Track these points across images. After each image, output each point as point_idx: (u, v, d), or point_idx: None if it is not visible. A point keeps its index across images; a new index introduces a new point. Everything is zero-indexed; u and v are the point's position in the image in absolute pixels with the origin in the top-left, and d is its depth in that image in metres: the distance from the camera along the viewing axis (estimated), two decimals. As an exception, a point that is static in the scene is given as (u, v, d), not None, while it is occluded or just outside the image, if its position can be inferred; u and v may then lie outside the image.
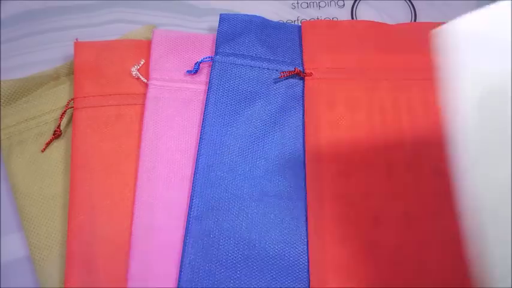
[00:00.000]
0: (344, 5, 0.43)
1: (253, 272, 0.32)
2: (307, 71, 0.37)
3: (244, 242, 0.32)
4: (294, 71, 0.36)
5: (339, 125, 0.35)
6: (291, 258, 0.32)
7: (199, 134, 0.35)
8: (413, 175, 0.34)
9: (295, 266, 0.32)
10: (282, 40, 0.39)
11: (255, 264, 0.32)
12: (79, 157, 0.35)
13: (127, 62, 0.38)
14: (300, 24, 0.40)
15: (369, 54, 0.38)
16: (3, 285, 0.34)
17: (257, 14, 0.39)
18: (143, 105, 0.36)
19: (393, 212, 0.33)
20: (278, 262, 0.32)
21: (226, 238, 0.32)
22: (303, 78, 0.37)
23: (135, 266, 0.32)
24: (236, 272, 0.32)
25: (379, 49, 0.38)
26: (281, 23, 0.40)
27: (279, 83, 0.37)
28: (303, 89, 0.37)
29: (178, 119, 0.36)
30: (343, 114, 0.36)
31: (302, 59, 0.38)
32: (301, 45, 0.38)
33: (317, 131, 0.35)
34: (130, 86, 0.37)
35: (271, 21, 0.39)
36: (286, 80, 0.37)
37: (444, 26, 0.24)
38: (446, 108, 0.24)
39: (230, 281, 0.32)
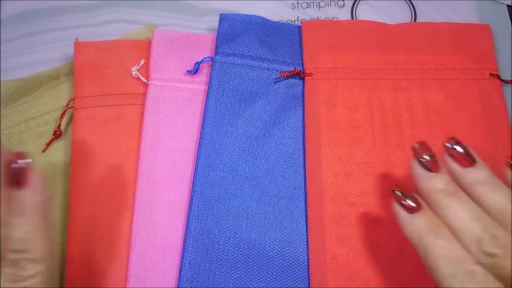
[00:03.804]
0: (344, 5, 0.43)
1: (253, 272, 0.32)
2: (307, 71, 0.37)
3: (244, 242, 0.32)
4: (294, 71, 0.36)
5: (338, 125, 0.35)
6: (291, 258, 0.32)
7: (199, 134, 0.35)
8: (413, 175, 0.34)
9: (295, 265, 0.32)
10: (282, 40, 0.39)
11: (255, 264, 0.32)
12: (79, 157, 0.35)
13: (127, 62, 0.38)
14: (299, 24, 0.40)
15: (369, 54, 0.38)
16: (3, 285, 0.34)
17: (257, 14, 0.39)
18: (143, 105, 0.36)
19: (393, 212, 0.33)
20: (278, 262, 0.32)
21: (226, 238, 0.32)
22: (303, 78, 0.37)
23: (135, 266, 0.32)
24: (236, 272, 0.32)
25: (379, 49, 0.38)
26: (281, 23, 0.40)
27: (279, 83, 0.37)
28: (303, 89, 0.37)
29: (178, 119, 0.36)
30: (343, 114, 0.36)
31: (302, 58, 0.38)
32: (301, 45, 0.38)
33: (317, 131, 0.35)
34: (130, 86, 0.37)
35: (271, 21, 0.39)
36: (286, 80, 0.37)
37: None
38: None
39: (230, 281, 0.32)
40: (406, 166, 0.34)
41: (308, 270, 0.32)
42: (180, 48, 0.38)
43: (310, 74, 0.37)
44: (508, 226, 0.26)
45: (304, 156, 0.35)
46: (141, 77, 0.37)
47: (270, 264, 0.32)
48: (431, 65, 0.38)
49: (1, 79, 0.38)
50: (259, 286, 0.32)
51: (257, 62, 0.37)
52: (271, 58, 0.38)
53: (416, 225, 0.27)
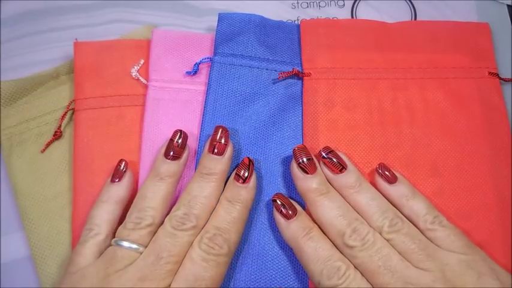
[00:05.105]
0: (344, 5, 0.43)
1: (253, 272, 0.32)
2: (305, 71, 0.37)
3: (244, 241, 0.33)
4: (292, 71, 0.36)
5: (337, 125, 0.35)
6: (291, 258, 0.32)
7: (199, 135, 0.35)
8: (412, 174, 0.34)
9: (295, 265, 0.32)
10: (281, 39, 0.39)
11: (254, 264, 0.32)
12: (81, 159, 0.35)
13: (127, 62, 0.38)
14: (299, 23, 0.40)
15: (367, 53, 0.38)
16: (3, 285, 0.34)
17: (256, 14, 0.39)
18: (143, 106, 0.36)
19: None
20: (278, 262, 0.32)
21: (226, 238, 0.32)
22: (301, 78, 0.37)
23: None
24: (236, 271, 0.32)
25: (378, 48, 0.38)
26: (280, 22, 0.40)
27: (277, 84, 0.37)
28: (302, 89, 0.37)
29: (178, 120, 0.36)
30: (342, 114, 0.36)
31: (301, 58, 0.38)
32: (300, 44, 0.38)
33: (315, 131, 0.35)
34: (130, 87, 0.37)
35: (270, 20, 0.39)
36: (285, 80, 0.37)
37: None
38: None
39: (230, 281, 0.32)
40: (405, 166, 0.34)
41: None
42: (180, 48, 0.38)
43: (309, 74, 0.37)
44: (371, 221, 0.29)
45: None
46: (140, 78, 0.37)
47: (269, 264, 0.32)
48: (430, 63, 0.38)
49: (1, 79, 0.38)
50: (259, 286, 0.32)
51: (256, 62, 0.37)
52: (270, 58, 0.38)
53: (291, 230, 0.30)
